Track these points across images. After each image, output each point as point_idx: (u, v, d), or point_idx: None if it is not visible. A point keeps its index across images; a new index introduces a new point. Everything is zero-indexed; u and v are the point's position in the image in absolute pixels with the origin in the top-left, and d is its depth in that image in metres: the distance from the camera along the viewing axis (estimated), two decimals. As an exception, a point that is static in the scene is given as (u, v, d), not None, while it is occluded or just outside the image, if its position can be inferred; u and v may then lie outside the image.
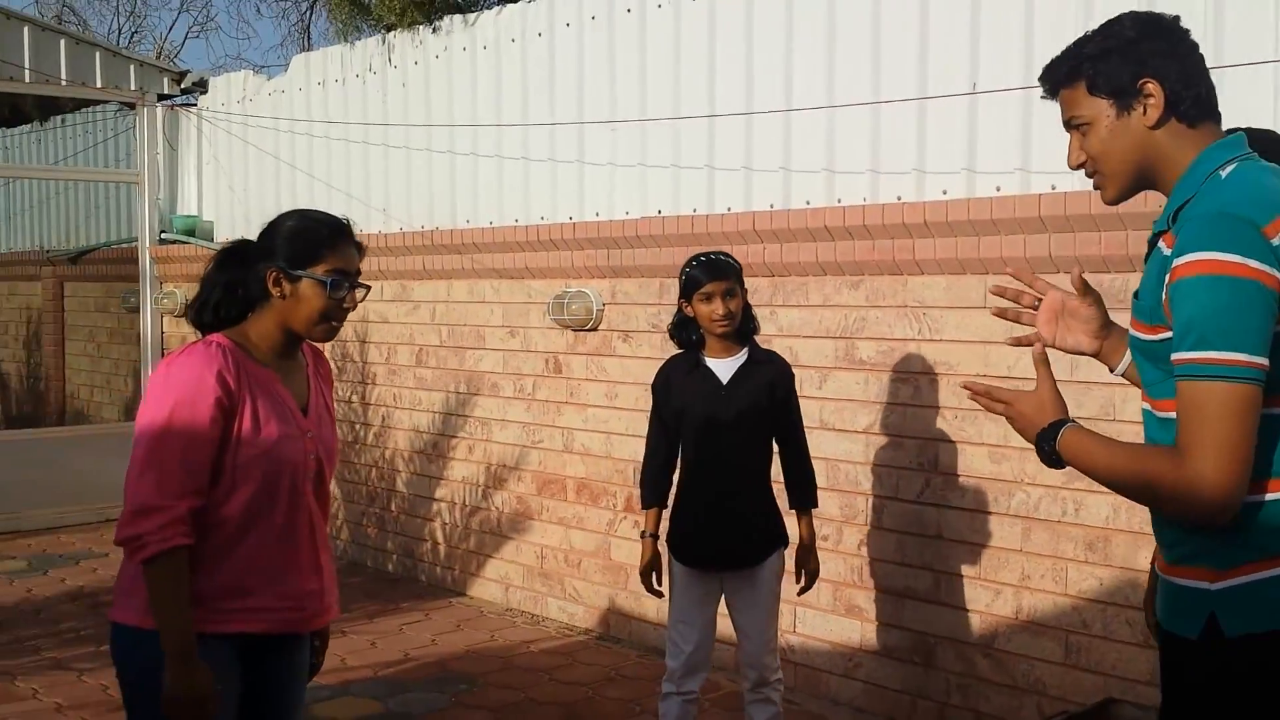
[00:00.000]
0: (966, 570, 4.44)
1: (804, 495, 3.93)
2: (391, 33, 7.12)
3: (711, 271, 3.73)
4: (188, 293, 8.82)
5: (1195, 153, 2.04)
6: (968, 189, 4.39)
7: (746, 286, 3.88)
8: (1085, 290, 2.34)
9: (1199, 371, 1.89)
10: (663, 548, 3.94)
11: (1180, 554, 2.05)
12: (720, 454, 3.77)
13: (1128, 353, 2.30)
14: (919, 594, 4.60)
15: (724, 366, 3.80)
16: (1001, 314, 2.51)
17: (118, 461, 9.77)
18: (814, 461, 4.01)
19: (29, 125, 9.97)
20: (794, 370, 4.00)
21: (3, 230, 10.53)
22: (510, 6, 6.43)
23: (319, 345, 2.82)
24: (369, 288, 2.72)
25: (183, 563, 2.44)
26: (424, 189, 6.86)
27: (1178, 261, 1.92)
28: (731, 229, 5.07)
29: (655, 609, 5.56)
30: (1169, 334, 1.98)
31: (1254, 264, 1.88)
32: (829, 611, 4.88)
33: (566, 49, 6.01)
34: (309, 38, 15.28)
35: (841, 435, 4.81)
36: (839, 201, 4.80)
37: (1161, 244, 2.03)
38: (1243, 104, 3.71)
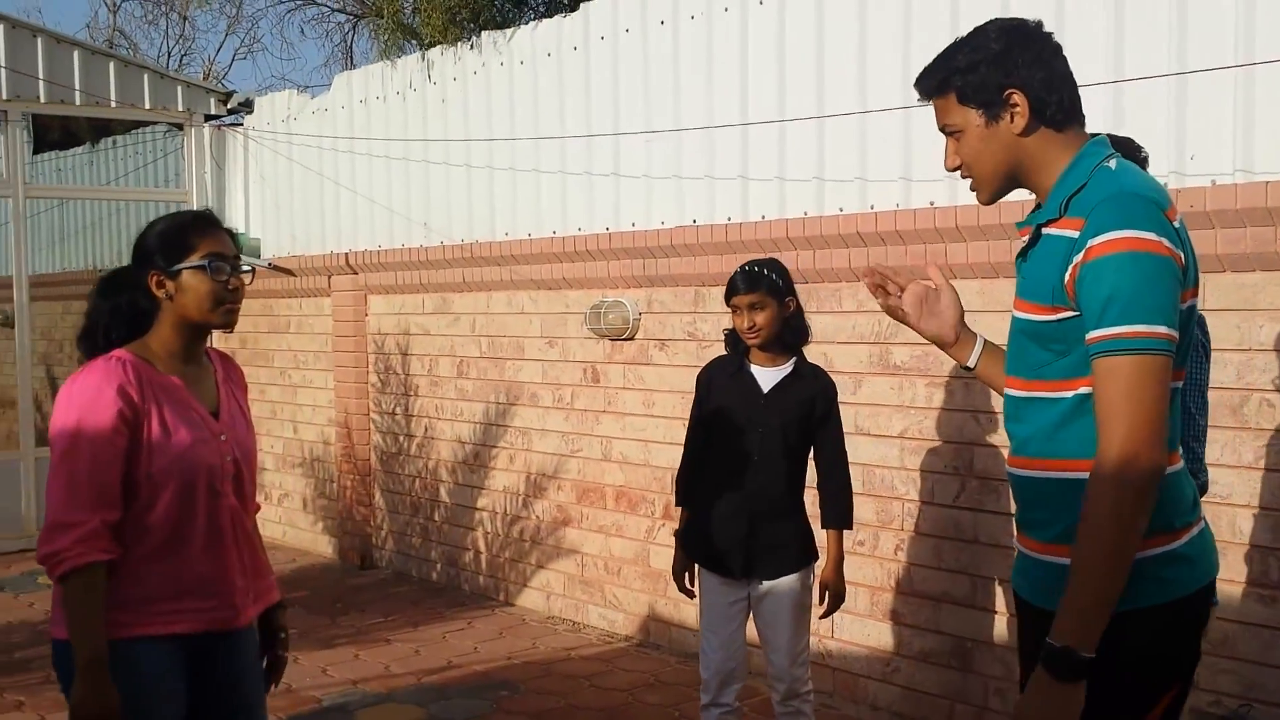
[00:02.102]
0: (1004, 574, 4.43)
1: (836, 514, 3.81)
2: (432, 50, 7.23)
3: (738, 284, 3.73)
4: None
5: (1065, 154, 2.13)
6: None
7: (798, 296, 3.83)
8: (942, 286, 2.51)
9: (1122, 346, 1.95)
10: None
11: (1055, 533, 2.10)
12: (751, 462, 3.75)
13: (978, 348, 2.46)
14: (956, 598, 4.60)
15: (767, 375, 3.78)
16: (872, 289, 2.61)
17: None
18: (849, 466, 3.94)
19: (81, 147, 10.19)
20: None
21: (58, 250, 10.74)
22: (546, 21, 6.52)
23: (225, 353, 2.91)
24: (252, 270, 2.76)
25: (97, 578, 2.47)
26: (463, 203, 6.95)
27: (1094, 240, 1.98)
28: (765, 236, 5.10)
29: (694, 616, 5.59)
30: (1070, 313, 2.04)
31: (1167, 243, 1.97)
32: (866, 616, 4.89)
33: (601, 62, 6.07)
34: (351, 57, 15.48)
35: (876, 440, 4.82)
36: (872, 208, 4.82)
37: (1054, 230, 2.10)
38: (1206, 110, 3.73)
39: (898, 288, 2.55)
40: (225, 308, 2.64)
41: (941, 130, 2.23)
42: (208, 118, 9.01)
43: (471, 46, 6.92)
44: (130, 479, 2.53)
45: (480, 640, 6.01)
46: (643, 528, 5.88)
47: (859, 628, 4.92)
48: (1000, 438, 4.43)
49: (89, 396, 2.51)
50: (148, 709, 2.53)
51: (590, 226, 6.12)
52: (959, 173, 2.25)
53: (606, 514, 6.07)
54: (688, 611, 5.65)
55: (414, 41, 9.00)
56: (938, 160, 4.55)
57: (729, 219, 5.40)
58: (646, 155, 5.83)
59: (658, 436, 5.76)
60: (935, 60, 2.21)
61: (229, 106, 9.01)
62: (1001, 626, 4.45)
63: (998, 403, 4.41)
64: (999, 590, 4.46)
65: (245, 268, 2.71)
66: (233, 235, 2.74)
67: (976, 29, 2.19)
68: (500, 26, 7.37)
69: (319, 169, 8.12)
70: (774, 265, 3.81)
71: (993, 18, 2.23)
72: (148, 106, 8.72)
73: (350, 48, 15.64)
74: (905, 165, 4.72)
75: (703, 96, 5.55)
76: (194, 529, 2.61)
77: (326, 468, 8.15)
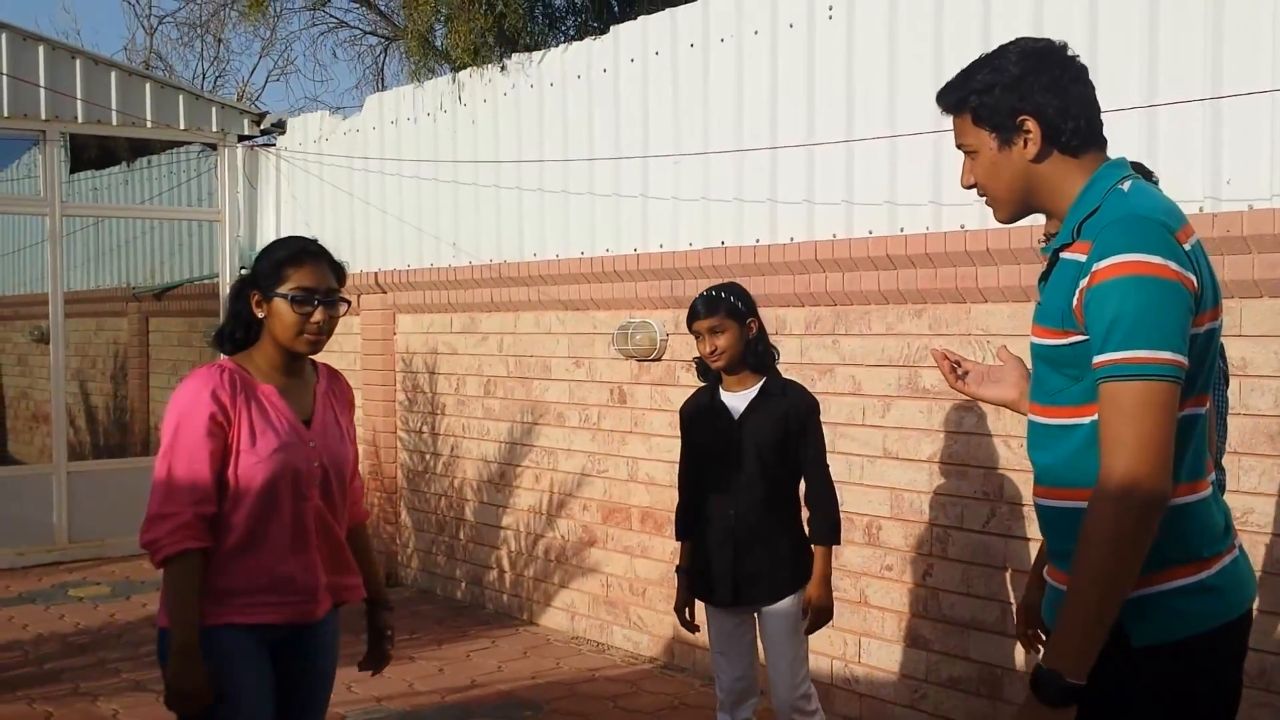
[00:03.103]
0: (1032, 600, 4.38)
1: (821, 530, 3.77)
2: (462, 72, 7.28)
3: (695, 311, 3.76)
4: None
5: (1081, 179, 2.10)
6: (1031, 216, 4.36)
7: (761, 316, 3.84)
8: (1008, 359, 2.49)
9: (1124, 371, 1.91)
10: None
11: None
12: (733, 488, 3.74)
13: None
14: (986, 625, 4.55)
15: (737, 399, 3.79)
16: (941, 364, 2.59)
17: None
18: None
19: (117, 167, 10.31)
20: (817, 400, 3.88)
21: (92, 268, 10.84)
22: (576, 44, 6.55)
23: (335, 370, 3.13)
24: (349, 303, 2.96)
25: (193, 565, 2.73)
26: (492, 223, 6.98)
27: (1099, 265, 1.95)
28: (794, 259, 5.10)
29: (720, 639, 5.57)
30: (1079, 337, 2.01)
31: (1174, 266, 1.93)
32: (894, 642, 4.85)
33: (631, 84, 6.10)
34: (383, 79, 15.62)
35: (905, 464, 4.79)
36: (901, 230, 4.81)
37: (1068, 255, 2.07)
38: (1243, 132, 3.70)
39: (964, 369, 2.55)
40: (305, 338, 2.85)
41: (958, 148, 2.23)
42: (241, 138, 9.09)
43: (502, 69, 6.96)
44: (221, 477, 2.77)
45: (504, 659, 6.00)
46: (668, 549, 5.86)
47: (886, 653, 4.88)
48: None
49: (187, 399, 2.78)
50: (234, 684, 2.76)
51: (618, 248, 6.13)
52: (975, 190, 2.24)
53: (632, 534, 6.06)
54: (713, 634, 5.62)
55: (444, 64, 9.08)
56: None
57: (757, 241, 5.40)
58: (675, 177, 5.84)
59: (684, 458, 5.73)
60: (956, 77, 2.21)
61: (262, 127, 9.09)
62: (1032, 655, 4.40)
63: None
64: (1028, 617, 4.41)
65: (336, 300, 2.89)
66: (336, 268, 2.94)
67: (1000, 48, 2.18)
68: (529, 49, 7.43)
69: (349, 189, 8.18)
70: (733, 288, 3.84)
71: (1018, 37, 2.22)
72: (183, 127, 8.81)
73: (382, 70, 15.76)
74: (935, 188, 4.71)
75: (732, 119, 5.55)
76: (277, 528, 2.82)
77: (354, 486, 8.16)
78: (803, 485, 3.86)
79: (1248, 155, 3.87)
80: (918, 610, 4.77)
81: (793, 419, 3.76)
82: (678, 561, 4.01)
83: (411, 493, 7.63)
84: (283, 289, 2.83)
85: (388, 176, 7.80)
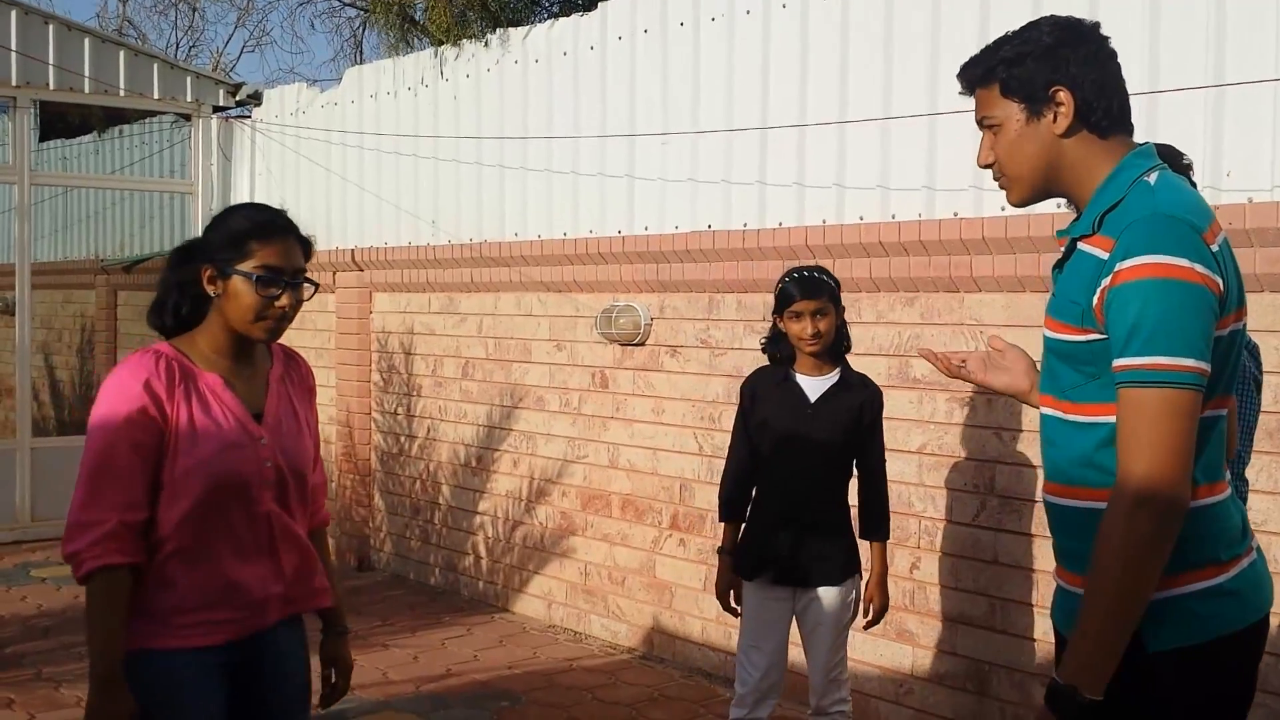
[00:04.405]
0: (1024, 596, 4.31)
1: (876, 525, 3.81)
2: (444, 47, 7.13)
3: (803, 289, 3.64)
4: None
5: (1106, 163, 2.02)
6: (1025, 209, 4.27)
7: (844, 305, 3.79)
8: (1005, 348, 2.43)
9: (1145, 378, 1.85)
10: None
11: None
12: (798, 473, 3.69)
13: None
14: (974, 620, 4.48)
15: (813, 385, 3.72)
16: (929, 359, 2.53)
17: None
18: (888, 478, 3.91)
19: (88, 136, 10.10)
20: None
21: (60, 239, 10.65)
22: (562, 20, 6.41)
23: (293, 350, 2.73)
24: (316, 285, 2.56)
25: (117, 583, 2.35)
26: (473, 202, 6.84)
27: (1122, 265, 1.88)
28: (783, 244, 4.99)
29: (700, 629, 5.48)
30: (1099, 336, 1.94)
31: (1200, 269, 1.86)
32: (879, 636, 4.77)
33: (619, 62, 5.97)
34: (361, 52, 15.42)
35: (894, 455, 4.68)
36: (893, 217, 4.71)
37: (1087, 246, 2.00)
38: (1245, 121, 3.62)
39: (960, 359, 2.47)
40: (265, 324, 2.46)
41: (979, 123, 2.13)
42: (216, 109, 8.90)
43: (485, 44, 6.81)
44: (155, 480, 2.40)
45: (480, 648, 5.89)
46: (649, 538, 5.76)
47: (871, 647, 4.80)
48: (1023, 455, 4.31)
49: (116, 390, 2.40)
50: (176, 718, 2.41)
51: (602, 229, 6.01)
52: (991, 170, 2.14)
53: (612, 522, 5.96)
54: (693, 625, 5.53)
55: (423, 38, 8.91)
56: (962, 169, 4.49)
57: (745, 225, 5.29)
58: (662, 158, 5.72)
59: (667, 445, 5.64)
60: (982, 51, 2.12)
61: (238, 99, 8.91)
62: (1020, 650, 4.33)
63: (1021, 420, 4.29)
64: (1018, 612, 4.34)
65: (304, 282, 2.51)
66: (305, 244, 2.54)
67: (1029, 24, 2.09)
68: (512, 24, 7.27)
69: (326, 164, 8.01)
70: (826, 271, 3.77)
71: (1048, 14, 2.11)
72: (156, 96, 8.61)
73: (360, 43, 15.57)
74: (929, 174, 4.61)
75: (722, 99, 5.44)
76: (224, 537, 2.45)
77: (326, 467, 8.02)
78: (854, 479, 3.83)
79: (1249, 147, 3.79)
80: (904, 604, 4.69)
81: (866, 412, 3.75)
82: (720, 544, 3.91)
83: (385, 475, 7.49)
84: (244, 266, 2.42)
85: (366, 151, 7.64)
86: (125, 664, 2.36)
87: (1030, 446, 4.28)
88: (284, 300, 2.45)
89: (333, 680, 2.80)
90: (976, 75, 2.11)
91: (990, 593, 4.42)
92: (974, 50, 4.70)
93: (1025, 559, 4.30)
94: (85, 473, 2.39)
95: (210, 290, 2.47)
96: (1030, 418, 4.27)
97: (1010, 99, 2.05)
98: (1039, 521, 4.26)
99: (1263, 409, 3.71)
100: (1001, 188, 2.15)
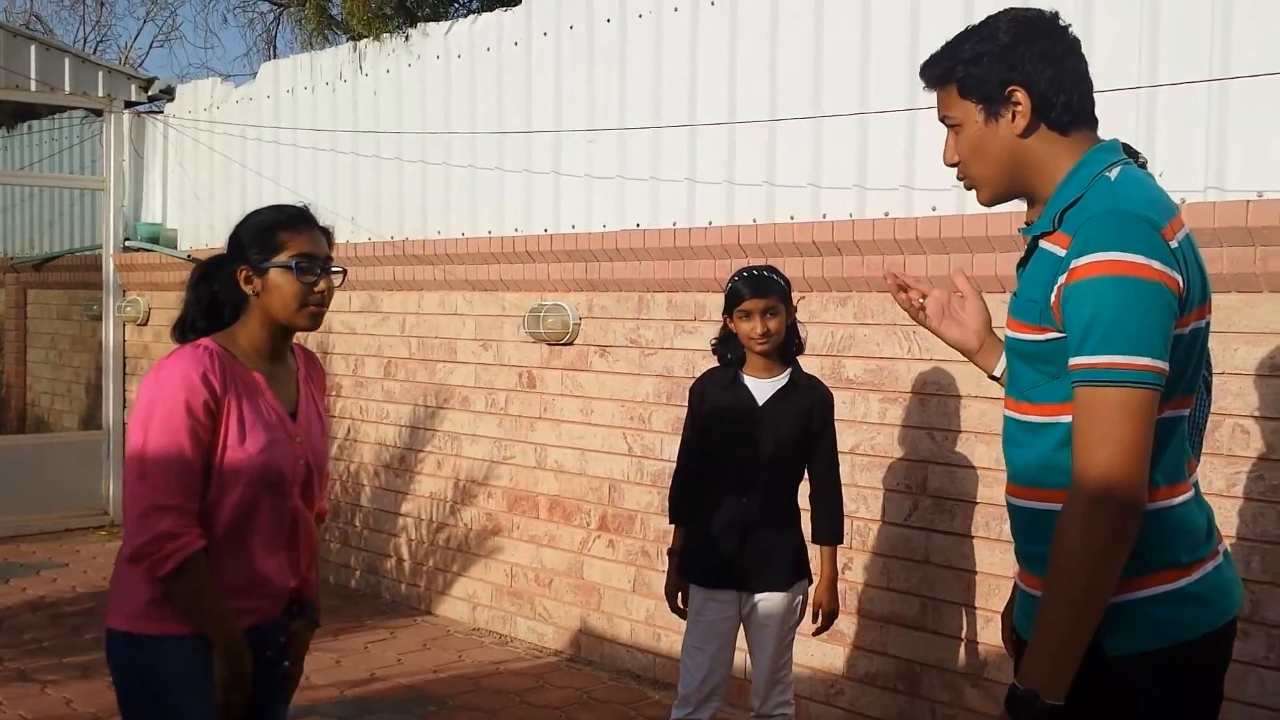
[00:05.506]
0: (955, 596, 4.32)
1: (829, 529, 3.75)
2: (364, 41, 6.98)
3: (752, 287, 3.59)
4: (151, 301, 8.61)
5: (1069, 159, 2.00)
6: (958, 205, 4.29)
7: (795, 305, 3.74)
8: (969, 293, 2.42)
9: (1101, 377, 1.82)
10: None
11: None
12: (746, 475, 3.64)
13: (1005, 358, 2.26)
14: (905, 620, 4.48)
15: (762, 387, 3.67)
16: (892, 290, 2.51)
17: (79, 470, 9.49)
18: (841, 481, 3.87)
19: (-4, 132, 9.81)
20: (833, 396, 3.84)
21: (-35, 235, 10.35)
22: (486, 15, 6.31)
23: (311, 351, 2.84)
24: (344, 272, 2.67)
25: (204, 562, 2.45)
26: (394, 198, 6.70)
27: (1078, 262, 1.86)
28: (715, 243, 4.95)
29: (629, 631, 5.42)
30: (1057, 335, 1.92)
31: (1157, 265, 1.83)
32: (809, 636, 4.74)
33: (544, 58, 5.88)
34: (274, 48, 15.11)
35: (825, 455, 4.68)
36: (824, 216, 4.69)
37: (1047, 244, 1.98)
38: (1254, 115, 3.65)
39: (919, 293, 2.44)
40: (310, 310, 2.57)
41: (941, 122, 2.10)
42: (128, 104, 8.64)
43: (406, 38, 6.68)
44: (205, 472, 2.49)
45: (403, 651, 5.77)
46: (577, 539, 5.68)
47: (802, 647, 4.76)
48: (956, 455, 4.32)
49: (175, 381, 2.46)
50: (182, 706, 2.51)
51: (528, 227, 5.92)
52: (956, 170, 2.11)
53: (539, 524, 5.87)
54: (621, 627, 5.47)
55: (340, 33, 8.73)
56: (894, 168, 4.48)
57: (674, 224, 5.24)
58: (589, 155, 5.65)
59: (595, 445, 5.57)
60: (943, 48, 2.08)
61: (150, 93, 8.66)
62: (952, 650, 4.34)
63: (954, 421, 4.30)
64: (949, 613, 4.34)
65: (337, 269, 2.63)
66: (327, 234, 2.66)
67: (988, 18, 2.05)
68: (430, 19, 7.14)
69: (242, 159, 7.80)
70: (777, 271, 3.72)
71: (1003, 9, 2.08)
72: (67, 91, 8.34)
73: (274, 38, 15.24)
74: (860, 173, 4.60)
75: (650, 96, 5.38)
76: (255, 528, 2.57)
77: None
78: (805, 482, 3.79)
79: (1180, 149, 3.78)
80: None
81: (815, 414, 3.70)
82: (670, 545, 3.86)
83: (305, 478, 7.31)
84: (281, 258, 2.52)
85: (283, 147, 7.45)
86: (146, 648, 2.48)
87: (964, 446, 4.29)
88: (322, 285, 2.57)
89: (291, 661, 2.88)
90: (936, 75, 2.08)
91: (922, 593, 4.42)
92: (904, 48, 4.69)
93: (957, 559, 4.31)
94: (150, 462, 2.42)
95: (248, 289, 2.56)
96: (965, 417, 4.28)
97: (968, 100, 2.03)
98: (972, 522, 4.27)
99: (1211, 411, 3.72)
100: (968, 188, 2.13)
